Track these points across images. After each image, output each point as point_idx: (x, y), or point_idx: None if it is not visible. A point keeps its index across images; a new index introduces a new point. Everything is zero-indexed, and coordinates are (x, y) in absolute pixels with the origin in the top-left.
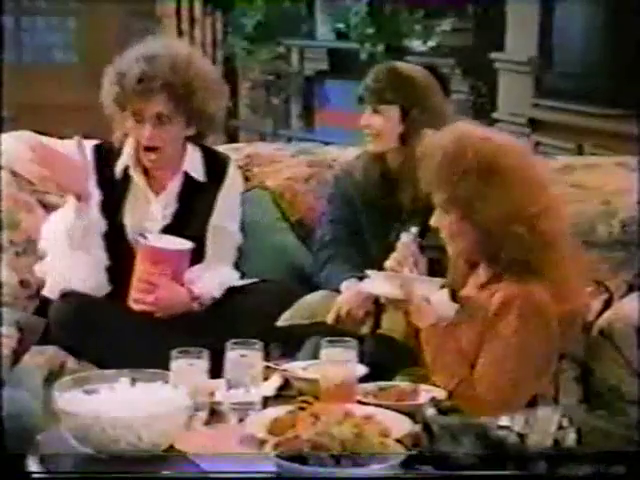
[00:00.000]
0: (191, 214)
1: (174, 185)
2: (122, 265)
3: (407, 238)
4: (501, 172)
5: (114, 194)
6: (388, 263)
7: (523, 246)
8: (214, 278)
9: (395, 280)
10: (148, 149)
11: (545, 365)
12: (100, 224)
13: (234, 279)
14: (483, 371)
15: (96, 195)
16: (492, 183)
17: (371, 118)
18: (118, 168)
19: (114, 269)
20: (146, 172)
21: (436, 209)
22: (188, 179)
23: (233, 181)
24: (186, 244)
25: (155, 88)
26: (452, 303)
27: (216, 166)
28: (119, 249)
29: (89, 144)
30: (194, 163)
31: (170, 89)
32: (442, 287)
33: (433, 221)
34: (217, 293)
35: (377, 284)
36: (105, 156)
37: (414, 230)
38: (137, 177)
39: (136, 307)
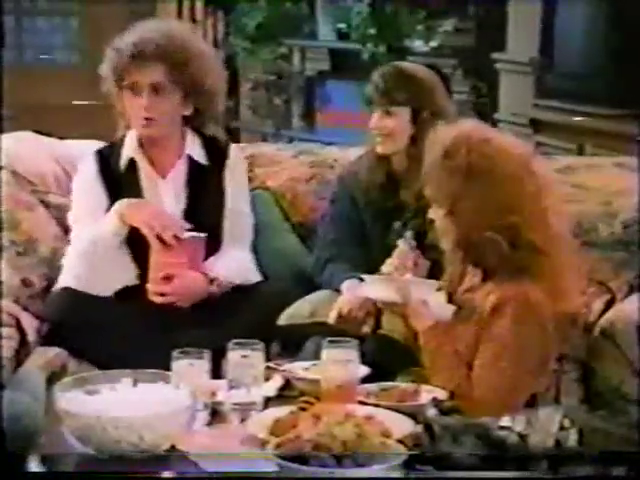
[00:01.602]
0: (203, 200)
1: (180, 169)
2: (144, 255)
3: (404, 244)
4: (487, 177)
5: (123, 190)
6: (384, 268)
7: (501, 253)
8: (231, 262)
9: (391, 284)
10: (146, 119)
11: (542, 365)
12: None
13: (250, 262)
14: (480, 372)
15: (104, 199)
16: (476, 186)
17: (383, 120)
18: (122, 161)
19: (137, 260)
20: (151, 160)
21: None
22: (192, 163)
23: (236, 162)
24: (200, 233)
25: (149, 54)
26: (449, 305)
27: (217, 150)
28: (140, 241)
29: (91, 151)
30: (195, 148)
31: (164, 58)
32: (439, 289)
33: (429, 213)
34: (236, 277)
35: (374, 288)
36: (107, 158)
37: (409, 235)
38: (142, 163)
39: (156, 299)
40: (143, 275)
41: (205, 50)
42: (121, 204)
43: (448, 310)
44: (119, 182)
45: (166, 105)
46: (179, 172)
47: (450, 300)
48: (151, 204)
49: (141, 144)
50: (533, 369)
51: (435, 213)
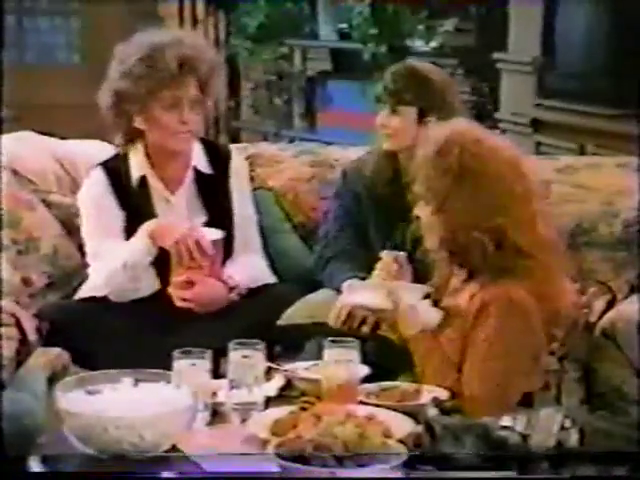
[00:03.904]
0: (214, 210)
1: (188, 182)
2: (167, 266)
3: (387, 256)
4: (477, 178)
5: (134, 206)
6: (371, 280)
7: (486, 254)
8: (246, 268)
9: (381, 290)
10: (183, 133)
11: (532, 363)
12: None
13: (264, 265)
14: (470, 374)
15: (119, 215)
16: (465, 187)
17: (388, 118)
18: (133, 179)
19: (160, 272)
20: (161, 176)
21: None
22: (198, 175)
23: (239, 168)
24: (217, 233)
25: (192, 71)
26: (437, 310)
27: (219, 157)
28: (163, 255)
29: (97, 168)
30: (200, 157)
31: (200, 72)
32: (427, 295)
33: (415, 210)
34: (252, 282)
35: (364, 295)
36: (116, 173)
37: (390, 245)
38: (153, 181)
39: (178, 304)
40: (164, 284)
41: (219, 60)
42: (151, 225)
43: (436, 315)
44: (131, 198)
45: (199, 117)
46: (188, 186)
47: (437, 305)
48: (180, 226)
49: (150, 160)
50: (523, 368)
51: (422, 210)
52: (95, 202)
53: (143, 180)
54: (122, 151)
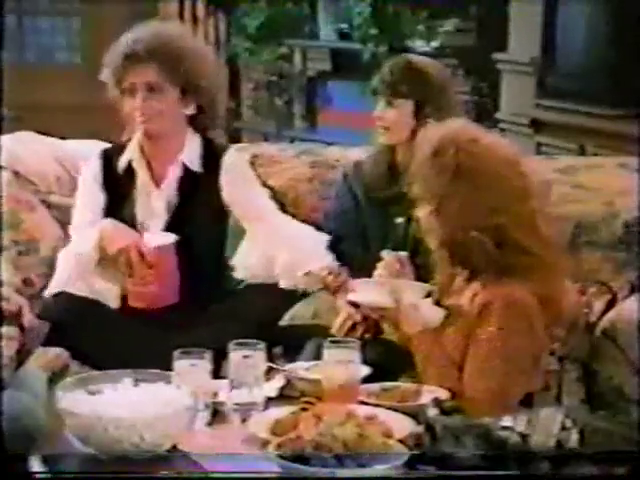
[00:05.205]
0: (192, 207)
1: (173, 176)
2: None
3: (388, 255)
4: (474, 176)
5: (119, 192)
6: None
7: (486, 253)
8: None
9: (383, 287)
10: (143, 122)
11: (533, 364)
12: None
13: (315, 234)
14: (471, 373)
15: (102, 198)
16: (463, 186)
17: (385, 111)
18: (121, 163)
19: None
20: (149, 165)
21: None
22: (186, 170)
23: (232, 164)
24: (167, 238)
25: (142, 54)
26: (439, 308)
27: (212, 155)
28: None
29: (96, 150)
30: (192, 153)
31: (156, 56)
32: (429, 294)
33: (417, 211)
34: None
35: (366, 293)
36: (110, 158)
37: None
38: (139, 168)
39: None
40: None
41: (199, 47)
42: (106, 226)
43: (438, 314)
44: (117, 185)
45: (162, 104)
46: (172, 180)
47: (439, 304)
48: (128, 234)
49: (142, 148)
50: (523, 368)
51: (422, 212)
52: (84, 187)
53: (131, 167)
54: (128, 137)
